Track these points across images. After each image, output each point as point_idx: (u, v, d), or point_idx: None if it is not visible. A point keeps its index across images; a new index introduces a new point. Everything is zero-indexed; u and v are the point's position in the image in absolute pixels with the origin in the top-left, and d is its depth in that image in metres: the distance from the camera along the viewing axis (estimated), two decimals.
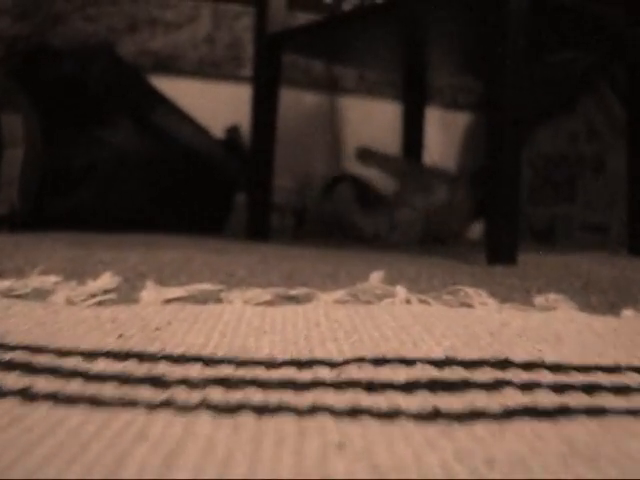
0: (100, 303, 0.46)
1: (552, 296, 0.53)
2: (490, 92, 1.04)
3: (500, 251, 1.02)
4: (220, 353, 0.31)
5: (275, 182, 1.46)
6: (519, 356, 0.32)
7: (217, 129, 1.69)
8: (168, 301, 0.46)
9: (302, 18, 1.77)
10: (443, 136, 2.05)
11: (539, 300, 0.52)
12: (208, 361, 0.30)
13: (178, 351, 0.31)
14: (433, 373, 0.29)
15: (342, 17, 1.29)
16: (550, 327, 0.40)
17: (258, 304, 0.46)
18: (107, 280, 0.52)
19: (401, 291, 0.48)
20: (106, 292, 0.50)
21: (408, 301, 0.46)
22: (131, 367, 0.29)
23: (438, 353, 0.32)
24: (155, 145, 1.53)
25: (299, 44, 1.41)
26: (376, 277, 0.55)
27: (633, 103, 1.33)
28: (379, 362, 0.30)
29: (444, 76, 1.80)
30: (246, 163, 1.50)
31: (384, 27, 1.31)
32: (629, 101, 1.33)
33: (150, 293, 0.46)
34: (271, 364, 0.30)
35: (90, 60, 1.60)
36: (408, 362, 0.30)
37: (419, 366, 0.30)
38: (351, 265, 0.84)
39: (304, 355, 0.31)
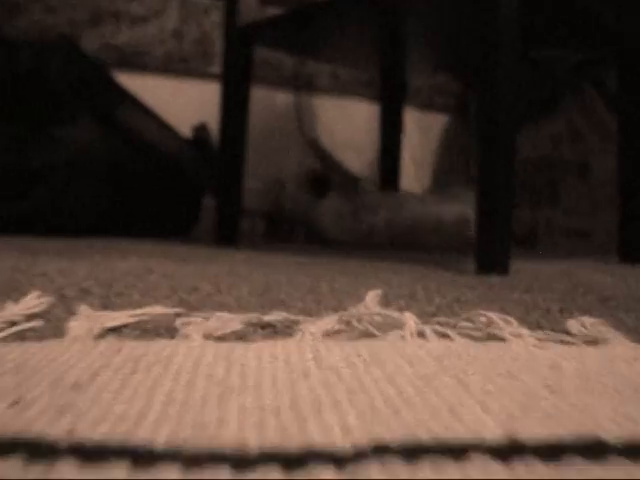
0: (18, 335, 0.34)
1: (587, 320, 0.42)
2: (482, 95, 0.93)
3: (492, 260, 0.91)
4: (161, 438, 0.19)
5: (245, 184, 1.34)
6: (610, 432, 0.21)
7: (185, 128, 1.56)
8: (105, 333, 0.34)
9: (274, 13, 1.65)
10: (420, 138, 1.95)
11: (574, 326, 0.41)
12: (140, 456, 0.18)
13: (95, 436, 0.19)
14: (500, 474, 0.18)
15: (314, 6, 1.18)
16: (617, 371, 0.29)
17: (224, 337, 0.34)
18: (33, 302, 0.40)
19: (410, 319, 0.36)
20: (31, 318, 0.39)
21: (421, 334, 0.35)
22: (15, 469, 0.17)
23: (493, 431, 0.21)
24: (118, 144, 1.41)
25: (271, 37, 1.30)
26: (373, 297, 0.44)
27: (623, 103, 1.23)
28: (412, 454, 0.19)
29: (423, 74, 1.70)
30: (215, 164, 1.38)
31: (358, 19, 1.21)
32: (619, 101, 1.23)
33: (82, 323, 0.34)
34: (241, 461, 0.18)
35: (49, 54, 1.47)
36: (455, 451, 0.19)
37: (474, 459, 0.19)
38: (331, 276, 0.73)
39: (292, 439, 0.20)
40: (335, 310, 0.46)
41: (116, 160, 1.38)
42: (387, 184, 1.57)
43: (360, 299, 0.50)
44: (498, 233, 0.92)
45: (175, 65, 1.77)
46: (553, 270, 0.99)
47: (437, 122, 2.00)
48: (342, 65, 1.51)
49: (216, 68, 1.76)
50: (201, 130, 1.53)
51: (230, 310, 0.44)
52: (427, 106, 1.98)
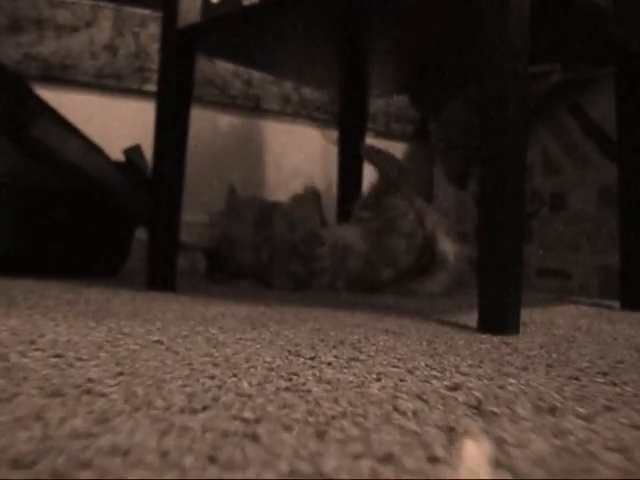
0: None
1: None
2: (485, 124, 0.71)
3: (502, 316, 0.68)
4: None
5: (184, 217, 1.09)
6: None
7: (116, 151, 1.31)
8: None
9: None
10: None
11: None
12: None
13: None
14: None
15: (265, 5, 0.95)
16: None
17: None
18: None
19: None
20: None
21: None
22: None
23: None
24: (34, 166, 1.14)
25: (216, 43, 1.06)
26: None
27: (625, 123, 1.03)
28: None
29: (383, 97, 1.48)
30: (148, 192, 1.13)
31: (317, 26, 0.99)
32: (621, 121, 1.03)
33: None
34: None
35: None
36: None
37: None
38: (306, 338, 0.49)
39: None
40: None
41: (31, 184, 1.12)
42: (345, 216, 1.33)
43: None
44: (509, 285, 0.69)
45: (108, 81, 1.51)
46: (559, 321, 0.77)
47: (395, 150, 1.78)
48: (298, 82, 1.28)
49: (153, 86, 1.52)
50: (134, 153, 1.27)
51: None
52: (384, 133, 1.77)
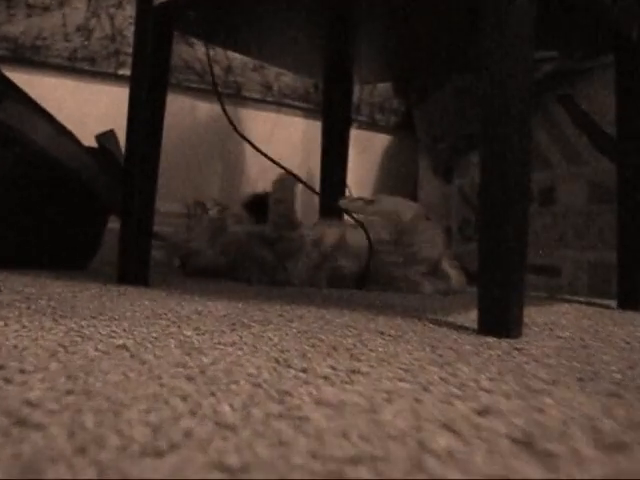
0: None
1: None
2: (488, 111, 0.64)
3: (504, 317, 0.62)
4: None
5: (159, 207, 1.01)
6: None
7: (90, 138, 1.22)
8: None
9: None
10: (360, 159, 1.66)
11: None
12: None
13: None
14: None
15: None
16: None
17: None
18: None
19: None
20: None
21: None
22: None
23: None
24: None
25: (195, 21, 0.98)
26: None
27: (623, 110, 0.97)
28: None
29: (368, 85, 1.41)
30: (122, 180, 1.04)
31: (303, 7, 0.91)
32: (620, 109, 0.97)
33: None
34: None
35: None
36: None
37: None
38: (293, 342, 0.41)
39: None
40: None
41: None
42: (328, 211, 1.26)
43: None
44: (510, 282, 0.63)
45: (80, 64, 1.42)
46: (567, 323, 0.70)
47: (378, 141, 1.71)
48: (280, 67, 1.20)
49: (129, 70, 1.43)
50: (107, 138, 1.18)
51: None
52: (367, 124, 1.69)
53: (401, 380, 0.35)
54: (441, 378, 0.37)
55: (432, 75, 1.44)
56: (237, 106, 1.56)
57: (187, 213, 1.30)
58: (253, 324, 0.55)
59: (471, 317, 0.76)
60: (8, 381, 0.29)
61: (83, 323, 0.49)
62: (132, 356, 0.37)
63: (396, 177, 1.72)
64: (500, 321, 0.62)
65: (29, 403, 0.26)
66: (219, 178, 1.53)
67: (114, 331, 0.46)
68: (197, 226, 1.18)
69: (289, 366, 0.37)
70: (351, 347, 0.46)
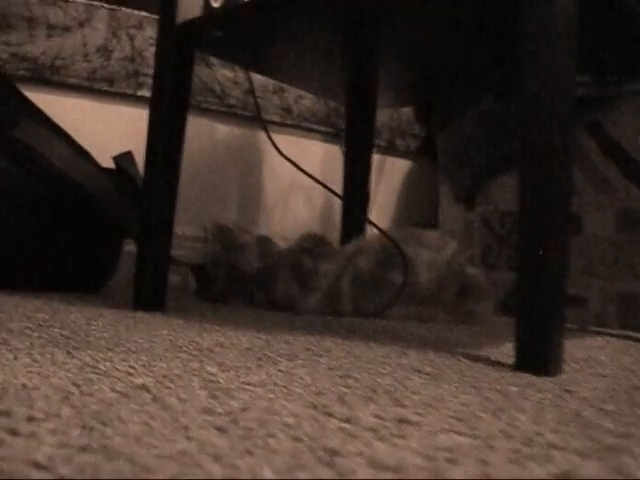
0: None
1: None
2: (527, 136, 0.60)
3: (544, 353, 0.57)
4: None
5: (175, 229, 0.98)
6: None
7: (107, 159, 1.19)
8: None
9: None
10: (379, 184, 1.62)
11: None
12: None
13: None
14: None
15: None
16: None
17: None
18: None
19: None
20: None
21: None
22: None
23: None
24: (14, 170, 1.02)
25: (218, 41, 0.95)
26: None
27: None
28: None
29: (389, 109, 1.37)
30: (139, 202, 1.01)
31: (324, 23, 0.88)
32: None
33: None
34: None
35: None
36: None
37: None
38: (327, 382, 0.37)
39: None
40: None
41: (9, 189, 1.00)
42: (349, 237, 1.22)
43: None
44: (550, 315, 0.59)
45: (99, 85, 1.40)
46: (607, 359, 0.65)
47: (398, 166, 1.67)
48: (303, 89, 1.17)
49: (148, 91, 1.40)
50: (125, 160, 1.15)
51: None
52: (387, 149, 1.66)
53: (458, 433, 0.31)
54: (500, 431, 0.32)
55: (458, 99, 1.41)
56: (256, 129, 1.53)
57: (204, 236, 1.27)
58: (280, 359, 0.51)
59: (503, 350, 0.72)
60: (14, 433, 0.25)
61: (99, 357, 0.45)
62: (154, 399, 0.33)
63: (416, 203, 1.68)
64: (539, 356, 0.58)
65: (37, 465, 0.22)
66: (237, 201, 1.49)
67: (132, 366, 0.42)
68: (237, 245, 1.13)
69: (329, 414, 0.33)
70: (390, 388, 0.42)
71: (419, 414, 0.35)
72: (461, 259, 1.05)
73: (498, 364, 0.61)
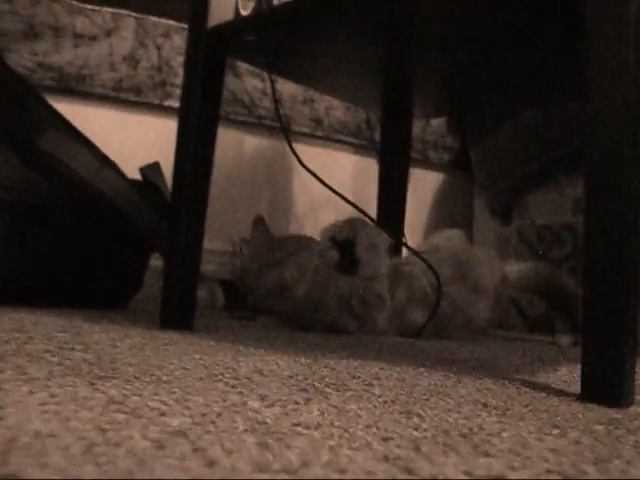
0: None
1: None
2: (596, 152, 0.54)
3: (614, 383, 0.51)
4: None
5: (205, 244, 0.92)
6: None
7: (133, 170, 1.13)
8: None
9: None
10: (411, 197, 1.56)
11: None
12: None
13: None
14: None
15: (310, 4, 0.78)
16: None
17: None
18: None
19: None
20: None
21: None
22: None
23: None
24: (39, 181, 0.97)
25: (250, 46, 0.89)
26: None
27: None
28: None
29: (422, 120, 1.31)
30: (166, 215, 0.95)
31: (361, 28, 0.82)
32: None
33: None
34: None
35: None
36: None
37: None
38: (389, 421, 0.31)
39: None
40: None
41: (33, 202, 0.95)
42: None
43: None
44: (622, 342, 0.52)
45: (126, 95, 1.35)
46: None
47: (431, 179, 1.61)
48: (338, 97, 1.11)
49: (175, 102, 1.35)
50: (152, 171, 1.10)
51: None
52: (420, 161, 1.59)
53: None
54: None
55: (496, 110, 1.34)
56: (285, 140, 1.47)
57: (232, 251, 1.21)
58: (328, 390, 0.45)
59: (559, 376, 0.65)
60: None
61: (126, 389, 0.39)
62: (194, 450, 0.27)
63: (450, 217, 1.61)
64: (610, 385, 0.51)
65: None
66: (266, 214, 1.43)
67: (165, 402, 0.36)
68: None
69: (409, 470, 0.27)
70: (464, 430, 0.36)
71: (513, 469, 0.28)
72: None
73: (560, 392, 0.54)
